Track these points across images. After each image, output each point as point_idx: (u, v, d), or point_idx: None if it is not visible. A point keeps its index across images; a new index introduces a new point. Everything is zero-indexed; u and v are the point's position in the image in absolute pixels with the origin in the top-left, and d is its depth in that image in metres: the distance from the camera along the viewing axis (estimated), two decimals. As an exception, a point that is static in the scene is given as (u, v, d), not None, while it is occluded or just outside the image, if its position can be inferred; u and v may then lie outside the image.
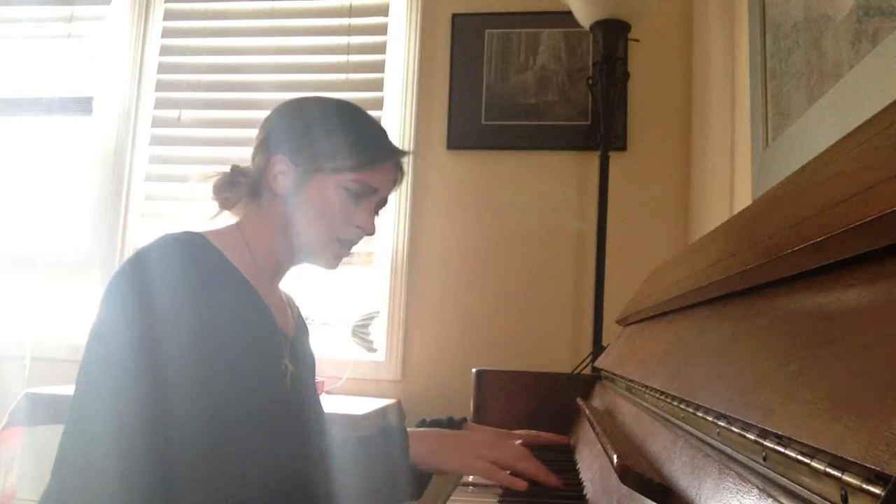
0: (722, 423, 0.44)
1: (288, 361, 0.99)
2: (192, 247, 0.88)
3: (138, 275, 0.85)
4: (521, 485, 0.85)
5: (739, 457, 0.41)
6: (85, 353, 0.86)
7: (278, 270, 1.04)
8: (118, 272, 0.87)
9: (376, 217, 1.05)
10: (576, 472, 0.96)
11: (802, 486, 0.32)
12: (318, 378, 2.02)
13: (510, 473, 0.86)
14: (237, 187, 1.04)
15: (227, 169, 1.05)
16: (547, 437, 1.19)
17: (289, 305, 1.11)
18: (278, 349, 0.98)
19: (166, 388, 0.79)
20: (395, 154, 1.03)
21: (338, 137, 1.00)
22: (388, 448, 0.84)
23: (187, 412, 0.79)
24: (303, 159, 0.98)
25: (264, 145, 1.01)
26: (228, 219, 1.06)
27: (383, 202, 1.05)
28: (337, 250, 1.02)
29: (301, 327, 1.12)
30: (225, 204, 1.05)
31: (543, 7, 2.13)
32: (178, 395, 0.79)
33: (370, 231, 1.02)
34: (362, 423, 1.68)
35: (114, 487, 0.78)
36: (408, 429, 0.88)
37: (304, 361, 1.07)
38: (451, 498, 0.88)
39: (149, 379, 0.79)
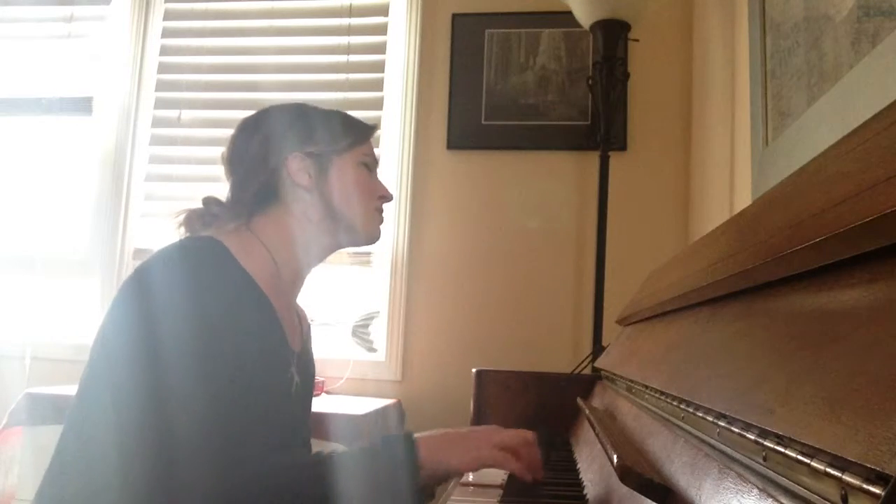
0: (722, 423, 0.44)
1: (294, 371, 1.00)
2: (206, 254, 0.88)
3: (150, 280, 0.86)
4: (528, 476, 0.85)
5: (739, 457, 0.41)
6: (90, 356, 0.86)
7: (299, 278, 1.05)
8: (131, 276, 0.87)
9: None
10: (576, 472, 0.96)
11: (802, 486, 0.32)
12: (318, 378, 2.02)
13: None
14: (215, 219, 1.03)
15: (199, 204, 1.04)
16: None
17: (300, 320, 1.11)
18: (286, 359, 0.99)
19: (170, 393, 0.79)
20: (375, 128, 1.12)
21: (330, 123, 1.07)
22: (393, 458, 0.84)
23: (193, 417, 0.79)
24: (315, 149, 1.03)
25: (268, 155, 1.02)
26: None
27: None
28: (378, 217, 1.08)
29: (307, 343, 1.12)
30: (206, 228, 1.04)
31: (543, 7, 2.13)
32: (184, 400, 0.79)
33: (391, 196, 1.10)
34: (362, 423, 1.68)
35: (114, 489, 0.78)
36: (414, 434, 0.88)
37: (307, 375, 1.08)
38: (452, 498, 0.88)
39: (152, 383, 0.79)
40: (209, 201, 1.05)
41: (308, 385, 1.08)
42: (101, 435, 0.82)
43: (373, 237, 1.09)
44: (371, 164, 1.08)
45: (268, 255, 0.98)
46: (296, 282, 1.05)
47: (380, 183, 1.10)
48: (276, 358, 0.96)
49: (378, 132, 1.16)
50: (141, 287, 0.86)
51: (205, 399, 0.80)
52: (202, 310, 0.84)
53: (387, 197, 1.09)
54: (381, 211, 1.09)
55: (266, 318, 0.94)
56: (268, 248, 0.99)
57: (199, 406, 0.80)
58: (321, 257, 1.07)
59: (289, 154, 1.02)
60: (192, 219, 1.03)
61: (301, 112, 1.08)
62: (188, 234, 1.02)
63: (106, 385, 0.83)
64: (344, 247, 1.10)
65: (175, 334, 0.81)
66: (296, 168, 1.02)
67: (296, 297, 1.08)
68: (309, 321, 1.16)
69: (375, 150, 1.17)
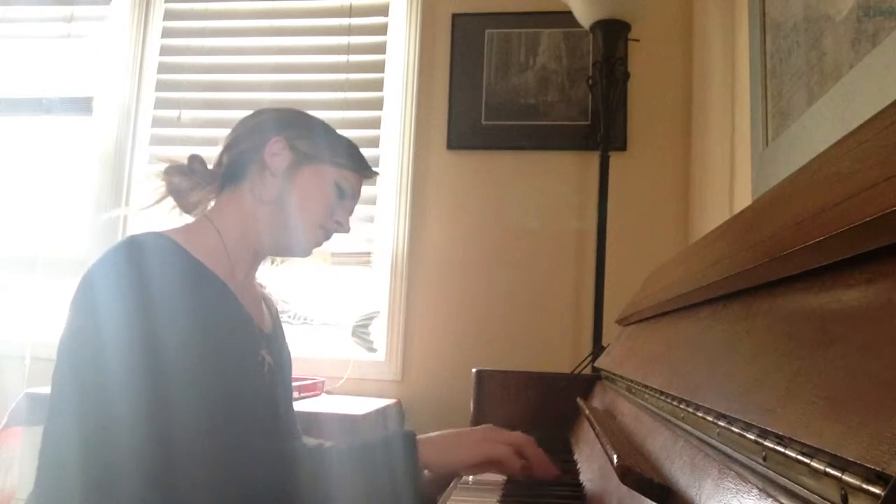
0: (722, 423, 0.44)
1: (265, 353, 1.00)
2: (151, 246, 0.87)
3: (105, 280, 0.85)
4: (533, 476, 0.89)
5: (739, 457, 0.41)
6: (56, 362, 0.85)
7: (255, 259, 1.04)
8: (84, 279, 0.87)
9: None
10: (576, 472, 0.96)
11: (802, 486, 0.32)
12: (318, 378, 2.03)
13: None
14: (193, 175, 1.04)
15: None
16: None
17: (265, 302, 1.10)
18: (254, 340, 0.98)
19: (144, 391, 0.79)
20: (374, 173, 1.11)
21: (336, 138, 1.07)
22: (392, 455, 0.84)
23: (175, 409, 0.79)
24: (302, 145, 1.03)
25: (258, 130, 1.03)
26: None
27: (352, 210, 1.10)
28: (319, 237, 1.05)
29: (277, 325, 1.12)
30: (185, 205, 1.05)
31: (543, 7, 2.13)
32: (161, 394, 0.79)
33: (348, 229, 1.07)
34: (362, 423, 1.68)
35: (93, 495, 0.78)
36: (417, 435, 0.88)
37: (281, 357, 1.07)
38: (452, 497, 0.88)
39: (125, 384, 0.79)
40: (194, 159, 1.05)
41: (283, 367, 1.07)
42: (76, 439, 0.81)
43: (303, 251, 1.05)
44: (346, 192, 1.05)
45: (218, 239, 0.98)
46: (253, 262, 1.04)
47: (344, 212, 1.06)
48: (244, 338, 0.96)
49: (376, 176, 1.14)
50: (104, 285, 0.85)
51: (162, 391, 0.80)
52: (151, 300, 0.83)
53: (342, 225, 1.06)
54: (327, 234, 1.06)
55: (224, 300, 0.94)
56: (219, 232, 0.98)
57: (159, 396, 0.79)
58: (269, 246, 1.04)
59: (276, 135, 1.02)
60: (172, 171, 1.05)
61: (315, 120, 1.08)
62: (166, 185, 1.05)
63: (78, 391, 0.82)
64: (272, 248, 1.05)
65: (128, 329, 0.81)
66: (274, 150, 1.01)
67: (253, 278, 1.07)
68: (276, 306, 1.15)
69: (369, 189, 1.16)
